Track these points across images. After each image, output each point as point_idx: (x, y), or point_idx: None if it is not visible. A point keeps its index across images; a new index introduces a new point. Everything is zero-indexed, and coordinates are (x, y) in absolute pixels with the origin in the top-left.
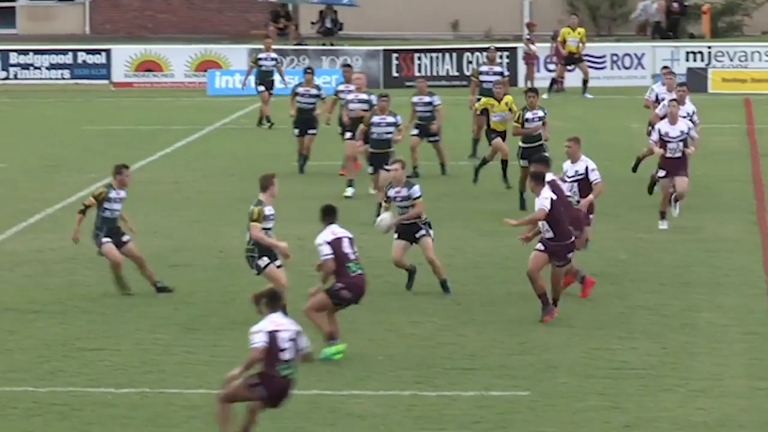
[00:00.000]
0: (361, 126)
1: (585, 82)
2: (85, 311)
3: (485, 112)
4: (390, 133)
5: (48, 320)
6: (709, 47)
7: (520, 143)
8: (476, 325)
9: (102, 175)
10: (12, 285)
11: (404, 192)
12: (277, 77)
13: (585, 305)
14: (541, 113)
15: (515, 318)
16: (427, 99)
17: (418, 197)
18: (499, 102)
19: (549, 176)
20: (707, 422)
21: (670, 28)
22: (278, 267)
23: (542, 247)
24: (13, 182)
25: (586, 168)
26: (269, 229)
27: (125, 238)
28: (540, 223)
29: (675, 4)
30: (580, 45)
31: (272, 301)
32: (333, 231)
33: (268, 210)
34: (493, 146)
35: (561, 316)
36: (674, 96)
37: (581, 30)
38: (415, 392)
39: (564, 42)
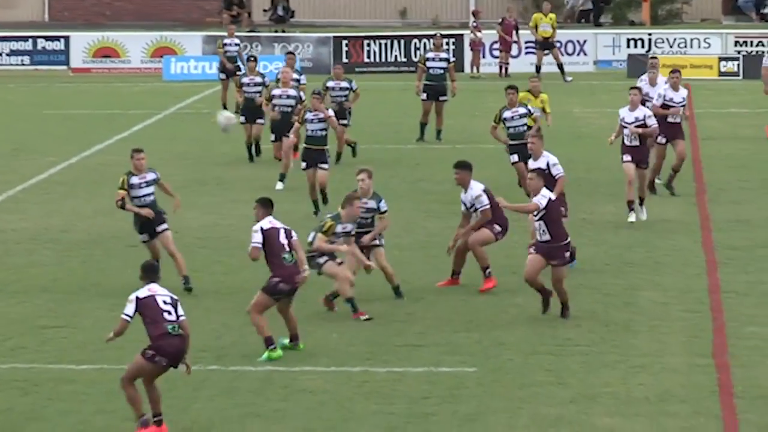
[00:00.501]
0: (296, 123)
1: (560, 66)
2: (45, 290)
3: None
4: (324, 129)
5: (9, 299)
6: (650, 34)
7: (509, 140)
8: (425, 303)
9: (62, 158)
10: None
11: (371, 204)
12: (240, 63)
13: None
14: (522, 110)
15: (463, 296)
16: (344, 84)
17: (386, 211)
18: (535, 97)
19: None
20: (648, 397)
21: (596, 15)
22: (339, 264)
23: (535, 250)
24: None
25: (547, 163)
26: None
27: (161, 228)
28: (536, 225)
29: None
30: (552, 30)
31: (147, 272)
32: (271, 221)
33: (341, 228)
34: None
35: (507, 295)
36: (667, 87)
37: (552, 15)
38: (366, 368)
39: (536, 27)
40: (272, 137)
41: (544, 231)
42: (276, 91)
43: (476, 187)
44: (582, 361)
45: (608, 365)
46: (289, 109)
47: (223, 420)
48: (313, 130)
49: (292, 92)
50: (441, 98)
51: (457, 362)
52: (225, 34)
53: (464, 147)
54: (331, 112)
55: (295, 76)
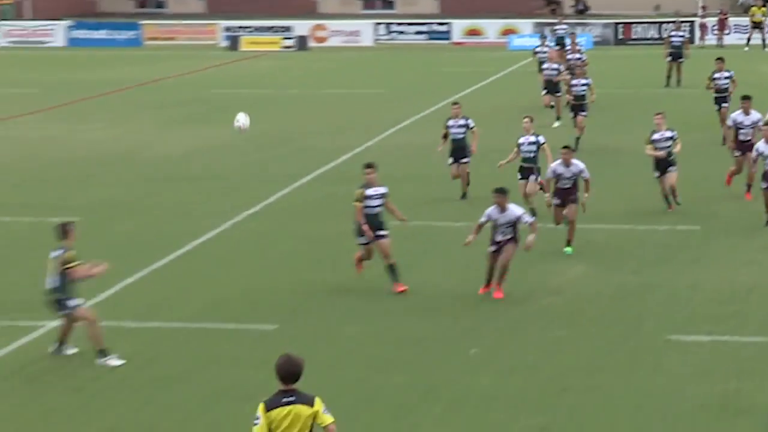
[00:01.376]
0: (567, 86)
1: (764, 40)
2: (422, 177)
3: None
4: (584, 91)
5: (398, 185)
6: None
7: (715, 95)
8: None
9: (438, 100)
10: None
11: (531, 138)
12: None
13: (741, 209)
14: (726, 74)
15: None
16: (555, 65)
17: (545, 143)
18: None
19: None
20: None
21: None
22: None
23: None
24: (389, 102)
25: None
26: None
27: (463, 160)
28: None
29: None
30: (764, 18)
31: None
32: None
33: (657, 135)
34: None
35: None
36: None
37: (764, 9)
38: (631, 226)
39: (753, 14)
40: (544, 92)
41: None
42: (546, 65)
43: (755, 113)
44: None
45: None
46: (554, 75)
47: (527, 266)
48: (577, 91)
49: (555, 65)
50: (679, 60)
51: (689, 223)
52: (548, 21)
53: (693, 91)
54: (590, 81)
55: (574, 55)
